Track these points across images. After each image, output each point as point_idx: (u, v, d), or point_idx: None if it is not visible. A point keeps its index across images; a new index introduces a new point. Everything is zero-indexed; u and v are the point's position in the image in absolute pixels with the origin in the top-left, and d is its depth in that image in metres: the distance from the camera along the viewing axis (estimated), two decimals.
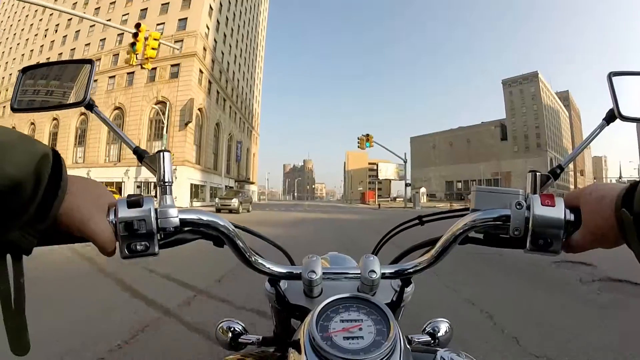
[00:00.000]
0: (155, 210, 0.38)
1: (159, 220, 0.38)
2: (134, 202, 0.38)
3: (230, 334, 0.55)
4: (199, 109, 36.63)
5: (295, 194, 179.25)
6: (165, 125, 28.80)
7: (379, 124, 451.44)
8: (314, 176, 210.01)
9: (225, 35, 45.55)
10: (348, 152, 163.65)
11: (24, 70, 0.55)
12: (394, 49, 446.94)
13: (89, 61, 0.54)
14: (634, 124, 0.49)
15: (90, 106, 0.52)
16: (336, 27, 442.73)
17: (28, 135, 0.32)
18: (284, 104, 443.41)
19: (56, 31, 43.46)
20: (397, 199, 74.39)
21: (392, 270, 0.47)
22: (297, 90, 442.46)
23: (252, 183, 58.34)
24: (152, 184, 26.76)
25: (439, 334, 0.55)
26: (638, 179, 0.34)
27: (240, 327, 0.56)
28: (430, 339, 0.55)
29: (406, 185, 35.78)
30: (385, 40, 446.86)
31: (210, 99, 39.40)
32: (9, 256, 0.32)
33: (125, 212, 0.37)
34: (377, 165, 59.68)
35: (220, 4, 42.33)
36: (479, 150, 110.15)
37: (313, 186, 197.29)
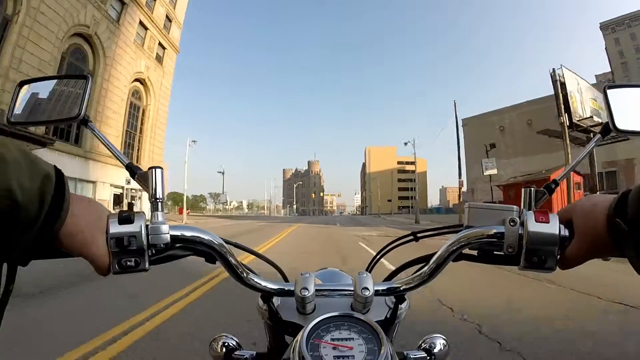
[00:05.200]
0: (147, 226, 0.38)
1: (149, 236, 0.38)
2: (125, 218, 0.38)
3: (224, 349, 0.54)
4: None
5: (295, 204, 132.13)
6: None
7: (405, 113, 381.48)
8: (323, 183, 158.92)
9: None
10: (369, 148, 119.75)
11: (21, 84, 0.56)
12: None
13: (85, 76, 0.55)
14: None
15: (85, 121, 0.52)
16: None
17: (30, 152, 0.32)
18: (282, 104, 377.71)
19: None
20: None
21: (385, 287, 0.46)
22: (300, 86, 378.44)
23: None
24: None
25: (435, 350, 0.55)
26: None
27: (234, 343, 0.56)
28: (426, 355, 0.55)
29: None
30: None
31: None
32: (5, 264, 0.32)
33: (116, 228, 0.37)
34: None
35: None
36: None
37: (321, 195, 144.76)
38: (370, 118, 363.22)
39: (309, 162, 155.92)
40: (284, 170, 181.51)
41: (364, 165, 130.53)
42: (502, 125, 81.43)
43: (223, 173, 43.32)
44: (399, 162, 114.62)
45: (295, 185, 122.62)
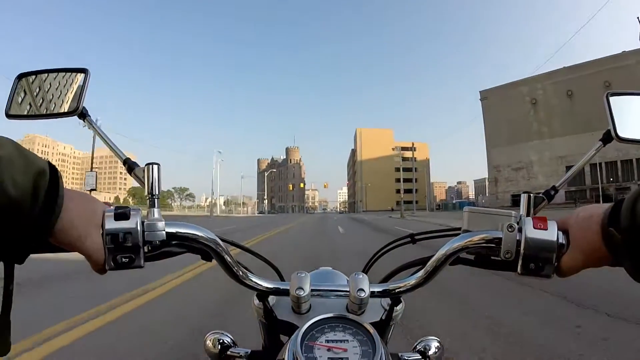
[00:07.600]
0: (142, 223, 0.39)
1: (145, 233, 0.39)
2: (121, 214, 0.38)
3: (219, 346, 0.55)
4: None
5: (270, 199, 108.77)
6: None
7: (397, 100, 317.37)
8: (304, 174, 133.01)
9: None
10: (360, 130, 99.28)
11: (19, 77, 0.56)
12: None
13: (84, 70, 0.55)
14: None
15: (83, 115, 0.52)
16: None
17: (24, 148, 0.32)
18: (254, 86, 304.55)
19: None
20: None
21: (381, 289, 0.47)
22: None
23: None
24: None
25: (430, 352, 0.55)
26: None
27: (229, 340, 0.56)
28: (420, 357, 0.55)
29: None
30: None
31: None
32: (1, 263, 0.33)
33: (112, 224, 0.37)
34: None
35: None
36: None
37: (301, 186, 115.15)
38: (355, 104, 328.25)
39: (287, 148, 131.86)
40: (258, 160, 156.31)
41: (353, 152, 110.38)
42: (534, 98, 63.12)
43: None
44: (394, 148, 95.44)
45: (266, 174, 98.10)
